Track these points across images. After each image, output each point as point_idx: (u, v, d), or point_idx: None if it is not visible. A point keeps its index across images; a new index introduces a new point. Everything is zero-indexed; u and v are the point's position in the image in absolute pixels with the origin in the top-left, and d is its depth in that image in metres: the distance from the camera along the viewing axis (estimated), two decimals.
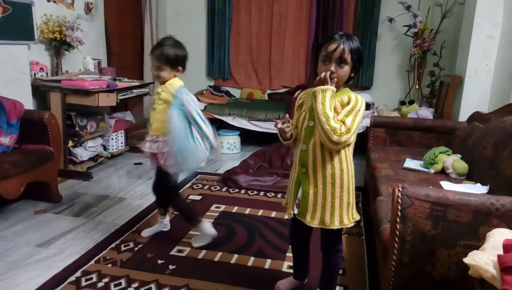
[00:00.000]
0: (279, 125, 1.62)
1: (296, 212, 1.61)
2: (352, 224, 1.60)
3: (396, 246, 1.40)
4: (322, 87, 1.45)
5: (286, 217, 2.51)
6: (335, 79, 1.48)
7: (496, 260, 1.11)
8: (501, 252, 1.14)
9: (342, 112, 1.48)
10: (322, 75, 1.46)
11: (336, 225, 1.56)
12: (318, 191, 1.55)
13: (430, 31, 4.21)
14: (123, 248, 2.26)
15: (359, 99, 1.51)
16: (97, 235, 2.41)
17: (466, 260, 1.17)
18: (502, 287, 1.05)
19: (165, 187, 2.29)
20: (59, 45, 3.48)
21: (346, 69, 1.50)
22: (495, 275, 1.09)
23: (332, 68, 1.48)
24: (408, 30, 4.31)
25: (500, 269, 1.09)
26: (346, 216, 1.58)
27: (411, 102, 3.95)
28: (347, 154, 1.57)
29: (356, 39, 1.53)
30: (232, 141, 4.37)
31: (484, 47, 3.34)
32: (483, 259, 1.14)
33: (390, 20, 4.37)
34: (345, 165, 1.55)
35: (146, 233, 2.42)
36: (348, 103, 1.49)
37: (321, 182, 1.54)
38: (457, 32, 3.96)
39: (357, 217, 1.63)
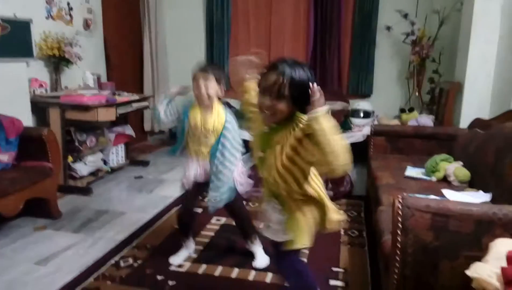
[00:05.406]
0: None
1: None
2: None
3: (398, 258, 1.38)
4: (321, 110, 1.20)
5: None
6: (274, 115, 1.30)
7: (499, 272, 1.09)
8: (504, 263, 1.12)
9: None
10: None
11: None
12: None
13: (428, 38, 4.20)
14: (122, 264, 2.24)
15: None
16: (96, 251, 2.38)
17: (469, 273, 1.14)
18: None
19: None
20: (58, 61, 3.50)
21: (286, 103, 1.28)
22: (498, 288, 1.06)
23: (267, 102, 1.29)
24: (406, 38, 4.31)
25: (504, 282, 1.06)
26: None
27: (411, 110, 3.93)
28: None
29: (303, 70, 1.28)
30: None
31: (482, 52, 3.33)
32: (486, 271, 1.11)
33: (388, 28, 4.38)
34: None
35: (177, 260, 2.27)
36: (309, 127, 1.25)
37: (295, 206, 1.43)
38: (455, 38, 3.95)
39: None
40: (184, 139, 2.14)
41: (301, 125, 1.30)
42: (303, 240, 1.42)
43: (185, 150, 2.17)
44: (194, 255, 2.33)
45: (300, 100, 1.26)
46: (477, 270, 1.13)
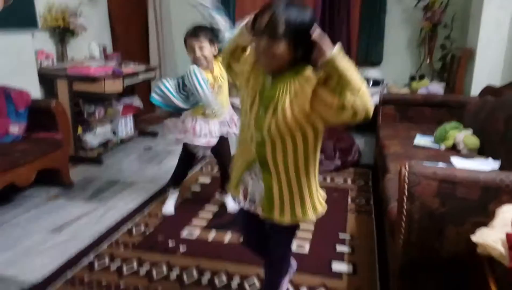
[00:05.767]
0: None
1: (259, 212, 1.36)
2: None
3: (404, 224, 1.39)
4: (336, 49, 1.10)
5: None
6: (272, 60, 1.18)
7: (504, 238, 1.10)
8: (509, 229, 1.13)
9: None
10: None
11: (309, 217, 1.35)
12: (283, 186, 1.30)
13: (440, 3, 4.07)
14: (134, 232, 2.30)
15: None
16: (109, 220, 2.44)
17: (474, 238, 1.16)
18: (510, 265, 1.04)
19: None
20: (63, 32, 3.47)
21: (284, 46, 1.15)
22: (503, 253, 1.07)
23: (262, 45, 1.16)
24: (418, 3, 4.17)
25: (508, 246, 1.07)
26: (318, 204, 1.37)
27: (422, 77, 3.86)
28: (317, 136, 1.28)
29: (304, 9, 1.17)
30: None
31: (496, 17, 3.22)
32: (491, 237, 1.12)
33: None
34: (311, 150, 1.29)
35: (171, 208, 2.54)
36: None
37: (285, 174, 1.29)
38: (468, 3, 3.82)
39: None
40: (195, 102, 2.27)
41: (309, 75, 1.19)
42: (287, 216, 1.32)
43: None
44: (204, 223, 2.38)
45: (301, 43, 1.15)
46: (483, 236, 1.15)
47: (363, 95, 1.10)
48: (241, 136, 1.37)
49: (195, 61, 2.20)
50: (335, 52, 1.10)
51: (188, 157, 2.49)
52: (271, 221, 1.34)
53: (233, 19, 4.95)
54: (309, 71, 1.20)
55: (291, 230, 1.44)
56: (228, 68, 1.42)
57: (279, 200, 1.31)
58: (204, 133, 2.30)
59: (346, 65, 1.10)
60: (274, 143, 1.25)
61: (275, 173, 1.29)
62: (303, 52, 1.17)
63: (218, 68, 2.28)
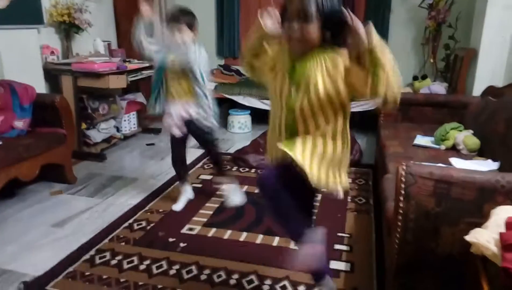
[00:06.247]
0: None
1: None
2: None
3: (400, 224, 1.41)
4: (375, 41, 1.15)
5: None
6: (303, 41, 1.25)
7: (498, 238, 1.11)
8: (503, 229, 1.14)
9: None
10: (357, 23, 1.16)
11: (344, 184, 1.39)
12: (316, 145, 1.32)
13: (445, 2, 4.06)
14: (135, 227, 2.33)
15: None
16: (111, 215, 2.47)
17: (468, 238, 1.17)
18: (502, 265, 1.05)
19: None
20: (69, 27, 3.50)
21: (314, 27, 1.23)
22: (496, 252, 1.09)
23: (295, 28, 1.24)
24: (423, 2, 4.17)
25: (501, 246, 1.08)
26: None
27: (424, 77, 3.85)
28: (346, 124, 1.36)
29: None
30: (242, 120, 4.37)
31: (500, 18, 3.21)
32: (485, 237, 1.13)
33: None
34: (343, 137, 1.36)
35: (179, 205, 2.57)
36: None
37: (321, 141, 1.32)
38: (472, 2, 3.81)
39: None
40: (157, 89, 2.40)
41: (340, 52, 1.26)
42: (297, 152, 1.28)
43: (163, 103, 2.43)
44: (205, 219, 2.40)
45: (331, 24, 1.23)
46: (476, 236, 1.16)
47: (394, 75, 1.17)
48: (272, 124, 1.43)
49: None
50: (375, 43, 1.14)
51: (172, 139, 2.51)
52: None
53: (238, 11, 4.98)
54: (339, 49, 1.26)
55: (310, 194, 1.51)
56: (250, 68, 1.48)
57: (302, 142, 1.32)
58: (169, 113, 2.38)
59: (383, 51, 1.15)
60: (307, 123, 1.31)
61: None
62: (331, 34, 1.24)
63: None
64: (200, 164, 3.35)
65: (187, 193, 2.63)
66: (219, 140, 2.80)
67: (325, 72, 1.27)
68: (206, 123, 2.36)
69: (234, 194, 2.60)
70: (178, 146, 2.52)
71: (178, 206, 2.55)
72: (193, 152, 3.34)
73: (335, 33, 1.25)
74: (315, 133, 1.33)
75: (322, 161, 1.32)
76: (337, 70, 1.26)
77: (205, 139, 2.48)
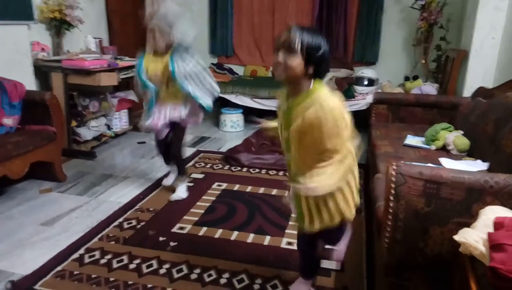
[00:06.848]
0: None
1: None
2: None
3: (389, 223, 1.41)
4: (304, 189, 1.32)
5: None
6: (285, 70, 1.32)
7: (486, 237, 1.12)
8: (491, 229, 1.15)
9: (317, 136, 1.32)
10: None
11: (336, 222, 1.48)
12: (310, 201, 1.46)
13: (437, 3, 4.09)
14: (125, 226, 2.31)
15: (329, 109, 1.31)
16: (100, 214, 2.45)
17: (456, 237, 1.18)
18: (489, 264, 1.06)
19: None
20: (59, 24, 3.46)
21: (297, 59, 1.30)
22: (484, 252, 1.09)
23: (280, 57, 1.32)
24: (415, 3, 4.20)
25: (489, 246, 1.09)
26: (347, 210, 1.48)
27: (415, 78, 3.88)
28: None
29: (317, 35, 1.33)
30: (235, 119, 4.36)
31: (490, 19, 3.24)
32: (473, 236, 1.14)
33: None
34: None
35: (169, 180, 2.81)
36: (317, 120, 1.30)
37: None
38: (464, 3, 3.84)
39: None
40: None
41: (311, 112, 1.32)
42: (309, 223, 1.48)
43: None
44: (196, 218, 2.39)
45: (312, 60, 1.31)
46: (465, 235, 1.17)
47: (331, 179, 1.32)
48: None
49: (152, 47, 2.43)
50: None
51: (156, 140, 2.70)
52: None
53: (231, 10, 4.97)
54: (314, 108, 1.32)
55: (336, 229, 1.54)
56: None
57: (307, 212, 1.47)
58: (153, 115, 2.50)
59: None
60: (300, 165, 1.44)
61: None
62: (314, 68, 1.33)
63: (167, 62, 2.40)
64: (192, 163, 3.34)
65: (174, 172, 2.79)
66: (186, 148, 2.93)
67: (300, 125, 1.36)
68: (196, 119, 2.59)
69: (181, 191, 2.68)
70: (162, 140, 2.68)
71: (168, 181, 2.80)
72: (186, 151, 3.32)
73: (318, 67, 1.34)
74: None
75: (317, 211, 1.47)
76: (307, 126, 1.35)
77: (178, 140, 2.62)
